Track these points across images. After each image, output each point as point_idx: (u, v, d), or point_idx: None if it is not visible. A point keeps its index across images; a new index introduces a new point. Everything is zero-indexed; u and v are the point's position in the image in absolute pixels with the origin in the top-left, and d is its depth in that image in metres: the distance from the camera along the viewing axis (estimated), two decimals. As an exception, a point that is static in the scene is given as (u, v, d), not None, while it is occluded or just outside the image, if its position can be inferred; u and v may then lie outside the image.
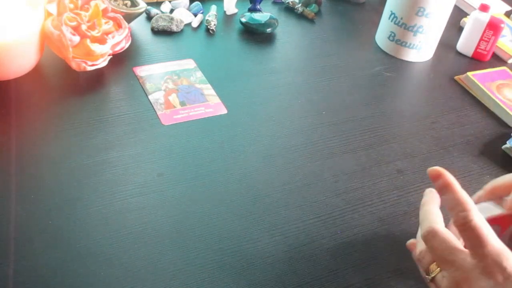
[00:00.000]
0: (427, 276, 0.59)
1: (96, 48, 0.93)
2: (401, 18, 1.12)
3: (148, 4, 1.18)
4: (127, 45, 1.01)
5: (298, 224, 0.77)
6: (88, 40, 0.92)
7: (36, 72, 0.96)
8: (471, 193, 0.86)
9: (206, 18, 1.17)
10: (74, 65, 0.93)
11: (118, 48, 0.99)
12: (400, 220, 0.80)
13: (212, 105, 0.96)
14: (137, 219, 0.73)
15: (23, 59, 0.92)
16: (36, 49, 0.93)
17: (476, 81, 1.10)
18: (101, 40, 0.95)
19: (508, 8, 1.40)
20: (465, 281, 0.54)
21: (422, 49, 1.15)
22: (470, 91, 1.11)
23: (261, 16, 1.17)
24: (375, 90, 1.07)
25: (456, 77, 1.14)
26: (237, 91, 1.00)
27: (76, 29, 0.92)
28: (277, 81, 1.04)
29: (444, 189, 0.60)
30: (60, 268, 0.66)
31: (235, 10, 1.24)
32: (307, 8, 1.28)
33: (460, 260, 0.55)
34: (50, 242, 0.69)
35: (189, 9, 1.21)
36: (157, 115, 0.91)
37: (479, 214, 0.56)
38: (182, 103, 0.95)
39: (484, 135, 1.00)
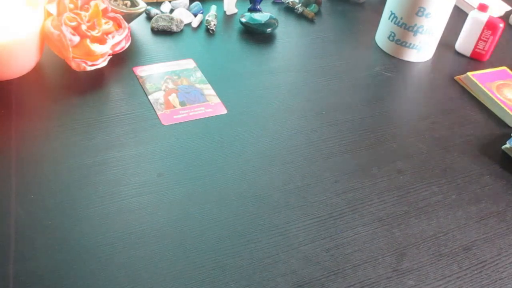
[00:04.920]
0: None
1: (96, 48, 0.93)
2: (401, 18, 1.12)
3: (148, 4, 1.18)
4: (127, 45, 1.01)
5: (298, 224, 0.77)
6: (88, 40, 0.92)
7: (36, 72, 0.96)
8: (470, 193, 0.87)
9: (206, 18, 1.17)
10: (74, 65, 0.93)
11: (118, 48, 0.99)
12: (400, 220, 0.80)
13: (212, 105, 0.96)
14: (137, 219, 0.73)
15: (23, 59, 0.92)
16: (36, 49, 0.93)
17: (476, 81, 1.10)
18: (101, 40, 0.95)
19: (508, 8, 1.40)
20: None
21: (422, 49, 1.15)
22: (470, 91, 1.11)
23: (261, 16, 1.17)
24: (375, 90, 1.07)
25: (456, 77, 1.14)
26: (237, 91, 1.00)
27: (76, 29, 0.92)
28: (277, 81, 1.04)
29: None
30: (60, 268, 0.66)
31: (235, 10, 1.24)
32: (307, 8, 1.28)
33: None
34: (50, 242, 0.69)
35: (189, 9, 1.21)
36: (157, 115, 0.91)
37: None
38: (182, 103, 0.95)
39: (484, 135, 1.00)
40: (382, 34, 1.19)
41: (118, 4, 1.04)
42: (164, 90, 0.97)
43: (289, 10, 1.29)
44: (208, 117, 0.93)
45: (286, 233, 0.75)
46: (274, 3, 1.30)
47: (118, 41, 0.98)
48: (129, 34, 1.02)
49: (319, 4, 1.31)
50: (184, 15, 1.17)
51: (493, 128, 1.02)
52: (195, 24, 1.17)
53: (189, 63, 1.05)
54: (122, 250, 0.69)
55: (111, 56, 0.98)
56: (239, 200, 0.79)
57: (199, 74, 1.02)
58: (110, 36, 0.96)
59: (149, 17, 1.16)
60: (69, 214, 0.72)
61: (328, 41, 1.20)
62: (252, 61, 1.09)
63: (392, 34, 1.15)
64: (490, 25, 1.15)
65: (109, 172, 0.79)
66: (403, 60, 1.17)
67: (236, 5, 1.24)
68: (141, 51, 1.07)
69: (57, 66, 0.98)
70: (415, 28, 1.11)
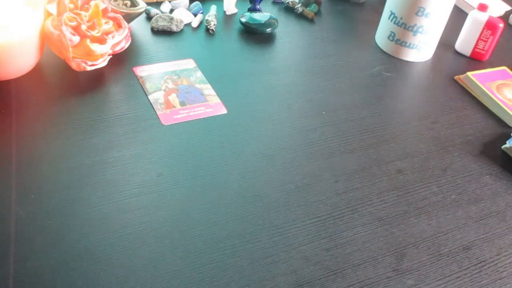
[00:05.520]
0: None
1: (96, 48, 0.93)
2: (401, 18, 1.12)
3: (148, 4, 1.18)
4: (127, 45, 1.01)
5: (298, 224, 0.77)
6: (88, 40, 0.92)
7: (36, 72, 0.96)
8: (470, 193, 0.87)
9: (206, 18, 1.17)
10: (74, 65, 0.93)
11: (118, 48, 0.99)
12: (400, 220, 0.80)
13: (212, 105, 0.96)
14: (137, 219, 0.73)
15: (23, 59, 0.92)
16: (36, 49, 0.93)
17: (476, 81, 1.10)
18: (101, 40, 0.95)
19: (508, 8, 1.40)
20: None
21: (422, 49, 1.15)
22: (470, 91, 1.11)
23: (261, 16, 1.17)
24: (375, 90, 1.07)
25: (456, 77, 1.14)
26: (237, 91, 1.00)
27: (76, 29, 0.92)
28: (277, 81, 1.04)
29: None
30: (60, 268, 0.66)
31: (235, 10, 1.24)
32: (307, 8, 1.28)
33: None
34: (50, 242, 0.69)
35: (189, 9, 1.21)
36: (157, 115, 0.91)
37: None
38: (182, 103, 0.95)
39: (484, 135, 1.00)
40: (382, 34, 1.19)
41: (118, 4, 1.04)
42: (164, 90, 0.97)
43: (289, 10, 1.29)
44: (208, 117, 0.93)
45: (286, 233, 0.75)
46: (274, 3, 1.30)
47: (118, 41, 0.98)
48: (129, 34, 1.02)
49: (319, 4, 1.31)
50: (184, 15, 1.17)
51: (493, 128, 1.02)
52: (195, 24, 1.17)
53: (189, 63, 1.05)
54: (122, 250, 0.69)
55: (111, 56, 0.98)
56: (239, 200, 0.79)
57: (199, 74, 1.03)
58: (110, 36, 0.96)
59: (149, 17, 1.16)
60: (69, 214, 0.72)
61: (328, 41, 1.20)
62: (252, 61, 1.09)
63: (392, 34, 1.15)
64: (490, 25, 1.15)
65: (109, 172, 0.79)
66: (403, 60, 1.17)
67: (236, 5, 1.24)
68: (141, 51, 1.07)
69: (57, 66, 0.98)
70: (415, 28, 1.11)
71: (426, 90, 1.10)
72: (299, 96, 1.02)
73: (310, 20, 1.26)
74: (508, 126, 1.03)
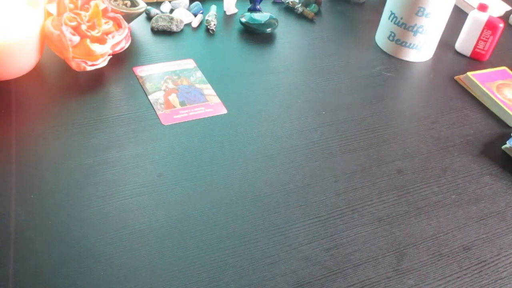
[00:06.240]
0: None
1: (96, 48, 0.93)
2: (401, 18, 1.12)
3: (148, 4, 1.18)
4: (127, 45, 1.01)
5: (298, 224, 0.77)
6: (88, 40, 0.92)
7: (36, 72, 0.96)
8: (470, 193, 0.87)
9: (206, 18, 1.17)
10: (74, 65, 0.93)
11: (118, 48, 0.99)
12: (400, 220, 0.80)
13: (212, 105, 0.96)
14: (137, 219, 0.73)
15: (23, 59, 0.92)
16: (36, 49, 0.93)
17: (476, 81, 1.10)
18: (101, 40, 0.95)
19: (508, 8, 1.40)
20: None
21: (422, 49, 1.15)
22: (470, 91, 1.11)
23: (261, 16, 1.17)
24: (375, 90, 1.07)
25: (456, 77, 1.14)
26: (237, 91, 1.00)
27: (76, 29, 0.92)
28: (277, 81, 1.04)
29: None
30: (60, 268, 0.66)
31: (235, 10, 1.24)
32: (307, 8, 1.28)
33: None
34: (50, 242, 0.69)
35: (189, 9, 1.21)
36: (157, 115, 0.91)
37: None
38: (182, 103, 0.95)
39: (484, 135, 1.00)
40: (382, 34, 1.19)
41: (118, 4, 1.04)
42: (164, 90, 0.97)
43: (289, 10, 1.29)
44: (208, 117, 0.93)
45: (286, 233, 0.75)
46: (274, 3, 1.30)
47: (118, 41, 0.98)
48: (129, 34, 1.02)
49: (319, 4, 1.31)
50: (184, 15, 1.17)
51: (493, 128, 1.02)
52: (195, 24, 1.17)
53: (189, 63, 1.05)
54: (122, 250, 0.69)
55: (111, 56, 0.98)
56: (239, 200, 0.79)
57: (199, 74, 1.03)
58: (110, 36, 0.96)
59: (149, 17, 1.16)
60: (69, 214, 0.72)
61: (328, 41, 1.20)
62: (252, 61, 1.09)
63: (392, 34, 1.15)
64: (490, 25, 1.15)
65: (109, 172, 0.79)
66: (403, 60, 1.17)
67: (236, 5, 1.24)
68: (141, 51, 1.07)
69: (57, 66, 0.98)
70: (415, 28, 1.11)
71: (426, 90, 1.10)
72: (299, 96, 1.02)
73: (310, 20, 1.26)
74: (508, 126, 1.03)
